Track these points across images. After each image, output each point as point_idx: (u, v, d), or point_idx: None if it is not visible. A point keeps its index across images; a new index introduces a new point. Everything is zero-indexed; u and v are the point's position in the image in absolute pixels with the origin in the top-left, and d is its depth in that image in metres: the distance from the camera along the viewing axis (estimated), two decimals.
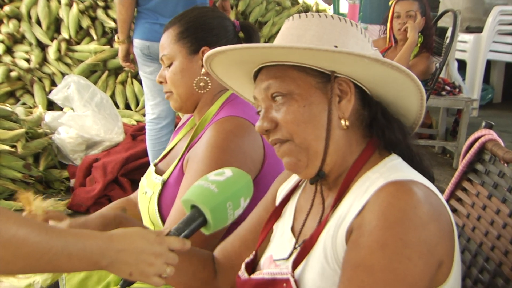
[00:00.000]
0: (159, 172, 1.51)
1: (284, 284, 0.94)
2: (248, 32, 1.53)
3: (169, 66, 1.43)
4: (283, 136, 0.95)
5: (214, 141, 1.32)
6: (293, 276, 0.93)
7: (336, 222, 0.91)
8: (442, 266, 0.87)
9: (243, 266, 1.07)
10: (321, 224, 0.94)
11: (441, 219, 0.86)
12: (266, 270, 1.00)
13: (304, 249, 0.94)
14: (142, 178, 1.54)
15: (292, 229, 1.05)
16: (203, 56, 1.37)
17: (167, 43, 1.43)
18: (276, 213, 1.10)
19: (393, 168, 0.92)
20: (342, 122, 0.94)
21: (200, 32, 1.42)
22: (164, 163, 1.54)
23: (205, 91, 1.44)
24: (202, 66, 1.40)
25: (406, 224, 0.82)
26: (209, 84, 1.43)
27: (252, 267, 1.07)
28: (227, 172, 0.99)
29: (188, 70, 1.42)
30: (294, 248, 1.00)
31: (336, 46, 0.93)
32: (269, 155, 1.37)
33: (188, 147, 1.43)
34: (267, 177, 1.31)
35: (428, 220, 0.83)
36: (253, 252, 1.09)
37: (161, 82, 1.46)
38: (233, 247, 1.16)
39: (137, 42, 3.02)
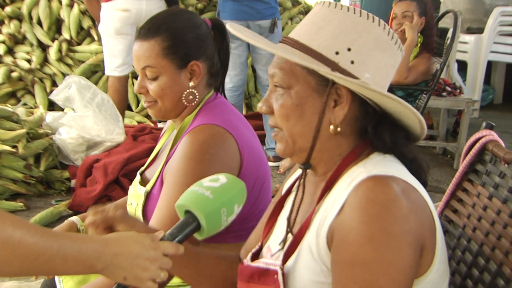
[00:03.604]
0: (144, 181, 1.49)
1: (275, 276, 0.97)
2: (220, 30, 1.49)
3: (153, 78, 1.38)
4: (275, 125, 1.00)
5: (188, 152, 1.31)
6: (281, 269, 0.96)
7: (321, 216, 0.94)
8: (422, 256, 0.90)
9: (249, 255, 1.10)
10: (309, 217, 0.97)
11: (420, 213, 0.89)
12: (263, 260, 1.04)
13: (294, 241, 0.98)
14: (130, 187, 1.53)
15: (288, 218, 1.07)
16: (191, 70, 1.39)
17: (152, 56, 1.37)
18: (280, 204, 1.13)
19: (378, 163, 0.94)
20: (331, 127, 0.95)
21: (188, 46, 1.39)
22: (150, 171, 1.53)
23: (193, 103, 1.42)
24: (190, 79, 1.40)
25: (388, 217, 0.85)
26: (197, 95, 1.42)
27: (257, 256, 1.10)
28: (222, 178, 1.00)
29: (177, 84, 1.39)
30: (286, 236, 1.04)
31: (349, 49, 0.92)
32: (245, 159, 1.37)
33: (168, 157, 1.41)
34: (246, 181, 1.33)
35: (407, 212, 0.86)
36: (259, 243, 1.12)
37: (140, 93, 1.42)
38: (255, 244, 1.17)
39: (225, 23, 3.39)
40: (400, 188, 0.88)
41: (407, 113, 0.93)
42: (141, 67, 1.39)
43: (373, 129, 0.96)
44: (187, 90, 1.40)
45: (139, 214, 1.41)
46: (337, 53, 0.92)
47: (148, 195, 1.41)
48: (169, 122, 1.60)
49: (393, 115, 0.97)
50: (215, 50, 1.46)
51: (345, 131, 0.96)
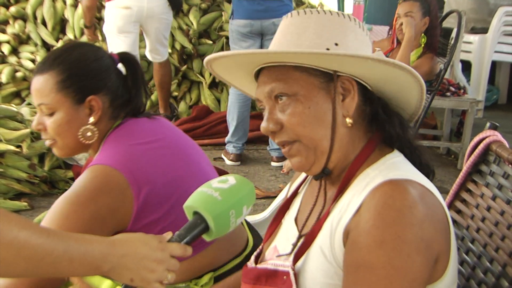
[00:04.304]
0: None
1: (285, 277, 0.96)
2: (130, 63, 1.45)
3: (50, 114, 1.33)
4: (290, 138, 0.96)
5: (66, 193, 1.25)
6: (293, 269, 0.95)
7: (335, 218, 0.93)
8: (438, 262, 0.89)
9: (252, 257, 1.10)
10: (322, 218, 0.96)
11: (435, 217, 0.88)
12: (271, 261, 1.03)
13: (305, 243, 0.96)
14: None
15: (296, 220, 1.06)
16: (89, 105, 1.33)
17: (46, 90, 1.31)
18: (285, 206, 1.12)
19: (392, 166, 0.94)
20: (347, 120, 0.95)
21: (84, 80, 1.33)
22: None
23: (92, 141, 1.36)
24: (89, 114, 1.34)
25: (402, 223, 0.84)
26: (96, 132, 1.35)
27: (260, 258, 1.10)
28: (231, 179, 0.99)
29: (75, 120, 1.33)
30: (297, 240, 1.02)
31: (336, 44, 0.94)
32: (142, 189, 1.27)
33: None
34: (153, 208, 1.27)
35: (423, 218, 0.85)
36: (261, 245, 1.12)
37: (39, 130, 1.36)
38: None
39: (239, 22, 3.73)
40: (418, 193, 0.88)
41: (410, 83, 0.94)
42: (37, 104, 1.34)
43: (383, 112, 0.97)
44: (84, 127, 1.34)
45: None
46: (328, 49, 0.93)
47: None
48: None
49: (390, 101, 0.99)
50: (120, 83, 1.40)
51: (357, 121, 0.97)
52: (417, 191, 0.88)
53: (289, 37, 0.96)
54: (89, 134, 1.35)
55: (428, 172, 0.98)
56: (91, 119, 1.34)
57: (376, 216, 0.85)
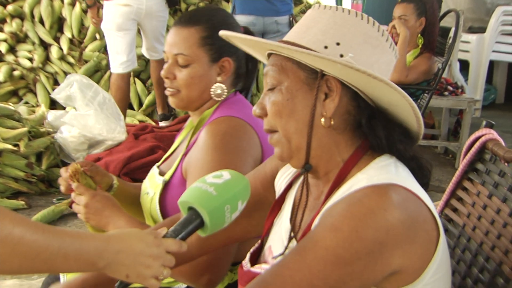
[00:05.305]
0: (161, 173, 1.50)
1: None
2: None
3: (184, 66, 1.41)
4: (270, 127, 0.98)
5: (212, 144, 1.31)
6: None
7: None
8: (400, 274, 0.86)
9: (248, 255, 1.09)
10: (310, 222, 0.95)
11: (414, 225, 0.85)
12: (264, 264, 1.02)
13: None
14: (144, 180, 1.54)
15: (291, 220, 1.06)
16: (221, 65, 1.43)
17: (189, 43, 1.40)
18: (280, 201, 1.11)
19: (381, 170, 0.92)
20: (322, 120, 0.93)
21: (224, 41, 1.38)
22: (166, 165, 1.54)
23: (219, 98, 1.44)
24: (219, 74, 1.43)
25: (368, 221, 0.82)
26: (225, 92, 1.44)
27: (256, 256, 1.09)
28: (225, 174, 0.99)
29: (207, 76, 1.42)
30: (289, 241, 1.02)
31: (338, 43, 0.92)
32: (266, 151, 1.37)
33: (187, 149, 1.42)
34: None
35: (396, 224, 0.82)
36: (259, 241, 1.11)
37: (167, 78, 1.44)
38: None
39: (241, 18, 3.60)
40: (400, 198, 0.85)
41: (397, 99, 0.91)
42: (174, 53, 1.42)
43: (367, 123, 0.94)
44: (216, 84, 1.43)
45: (155, 203, 1.42)
46: (325, 47, 0.92)
47: (166, 184, 1.43)
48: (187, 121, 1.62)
49: (387, 110, 0.96)
50: (244, 54, 1.48)
51: (339, 126, 0.95)
52: (399, 196, 0.85)
53: (299, 28, 0.97)
54: (219, 91, 1.43)
55: (423, 182, 0.95)
56: (219, 79, 1.43)
57: (347, 207, 0.85)
